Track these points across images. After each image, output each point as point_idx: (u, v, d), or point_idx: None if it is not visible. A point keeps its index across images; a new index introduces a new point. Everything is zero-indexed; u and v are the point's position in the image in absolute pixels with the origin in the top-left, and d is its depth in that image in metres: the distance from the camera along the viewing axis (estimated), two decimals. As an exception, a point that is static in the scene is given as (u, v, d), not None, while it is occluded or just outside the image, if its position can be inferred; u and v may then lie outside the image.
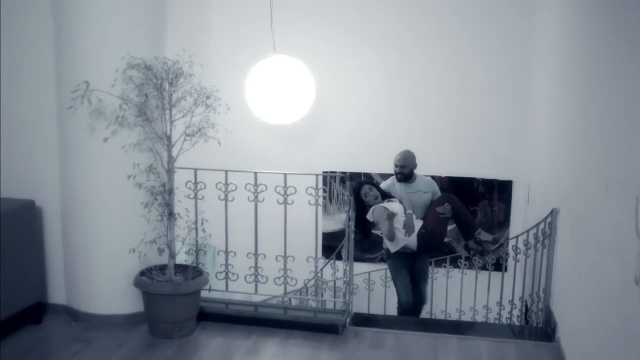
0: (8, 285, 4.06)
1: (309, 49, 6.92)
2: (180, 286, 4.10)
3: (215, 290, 4.67)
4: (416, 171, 5.63)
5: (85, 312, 4.38)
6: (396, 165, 5.57)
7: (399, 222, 5.20)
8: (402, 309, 5.50)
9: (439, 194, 5.72)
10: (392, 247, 5.35)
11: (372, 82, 7.19)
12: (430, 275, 5.86)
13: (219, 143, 4.25)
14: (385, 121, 7.16)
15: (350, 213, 4.68)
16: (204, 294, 4.46)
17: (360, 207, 5.38)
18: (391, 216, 5.17)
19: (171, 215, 4.21)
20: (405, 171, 5.52)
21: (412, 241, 5.25)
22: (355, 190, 5.42)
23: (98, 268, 4.33)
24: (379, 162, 6.63)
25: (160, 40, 4.35)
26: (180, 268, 4.33)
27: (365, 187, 5.50)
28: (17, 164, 4.47)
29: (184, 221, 4.37)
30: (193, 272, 4.30)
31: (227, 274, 4.67)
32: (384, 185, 5.66)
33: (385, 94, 7.21)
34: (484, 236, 4.82)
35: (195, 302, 4.27)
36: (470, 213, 5.70)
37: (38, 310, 4.39)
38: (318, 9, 7.12)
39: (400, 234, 5.21)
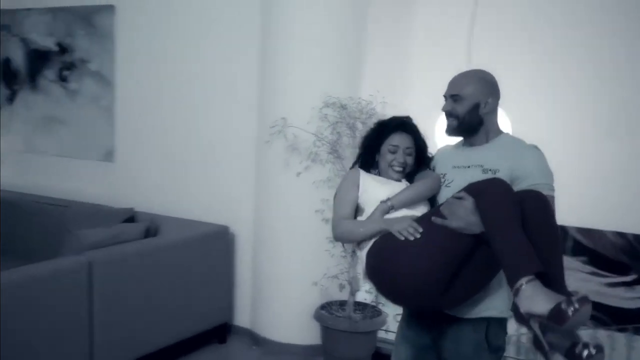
0: (200, 303, 4.34)
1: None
2: (358, 324, 4.10)
3: (393, 332, 4.59)
4: (507, 129, 2.82)
5: (266, 337, 4.52)
6: (445, 97, 2.45)
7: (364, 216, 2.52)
8: None
9: (533, 181, 2.21)
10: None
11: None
12: None
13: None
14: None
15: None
16: (381, 334, 4.42)
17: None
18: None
19: (355, 252, 4.23)
20: (460, 111, 2.39)
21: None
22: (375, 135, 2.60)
23: (282, 297, 4.46)
24: None
25: (356, 80, 4.43)
26: (360, 306, 4.33)
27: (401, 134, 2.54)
28: (217, 192, 4.80)
29: (368, 259, 4.36)
30: (372, 311, 4.28)
31: (405, 316, 4.59)
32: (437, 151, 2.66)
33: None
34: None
35: (372, 341, 4.25)
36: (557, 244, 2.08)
37: (224, 331, 4.62)
38: (523, 48, 6.88)
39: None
